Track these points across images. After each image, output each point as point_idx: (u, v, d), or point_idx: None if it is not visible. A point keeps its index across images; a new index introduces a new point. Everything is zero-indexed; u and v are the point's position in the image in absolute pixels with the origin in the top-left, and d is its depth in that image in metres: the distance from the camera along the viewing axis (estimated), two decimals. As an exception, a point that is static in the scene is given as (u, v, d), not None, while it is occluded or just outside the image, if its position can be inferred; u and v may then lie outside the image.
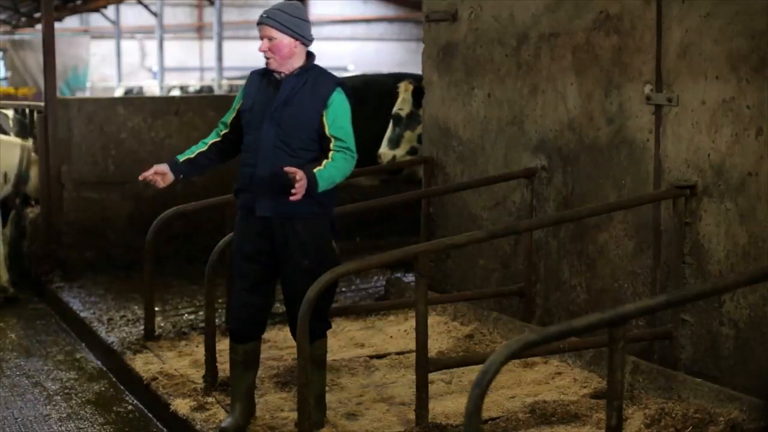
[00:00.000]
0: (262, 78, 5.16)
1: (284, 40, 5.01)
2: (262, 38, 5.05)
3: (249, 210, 5.13)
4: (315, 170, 4.93)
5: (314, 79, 5.06)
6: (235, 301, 5.30)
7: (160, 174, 5.24)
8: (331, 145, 5.02)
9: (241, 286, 5.22)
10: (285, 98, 5.02)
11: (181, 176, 5.29)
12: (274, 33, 5.01)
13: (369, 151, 8.19)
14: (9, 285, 8.90)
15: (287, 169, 4.87)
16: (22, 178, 9.36)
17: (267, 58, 5.06)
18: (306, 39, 5.07)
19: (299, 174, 4.84)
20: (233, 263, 5.29)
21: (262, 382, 5.86)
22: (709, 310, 5.47)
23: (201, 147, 5.32)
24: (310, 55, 5.14)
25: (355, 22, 34.57)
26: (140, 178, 5.29)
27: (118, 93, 24.69)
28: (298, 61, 5.08)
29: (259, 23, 5.05)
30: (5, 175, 9.26)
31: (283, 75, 5.09)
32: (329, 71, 5.17)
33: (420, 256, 5.14)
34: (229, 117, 5.28)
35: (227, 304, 6.81)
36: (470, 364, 5.60)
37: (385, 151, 8.19)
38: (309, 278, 5.02)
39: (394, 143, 8.11)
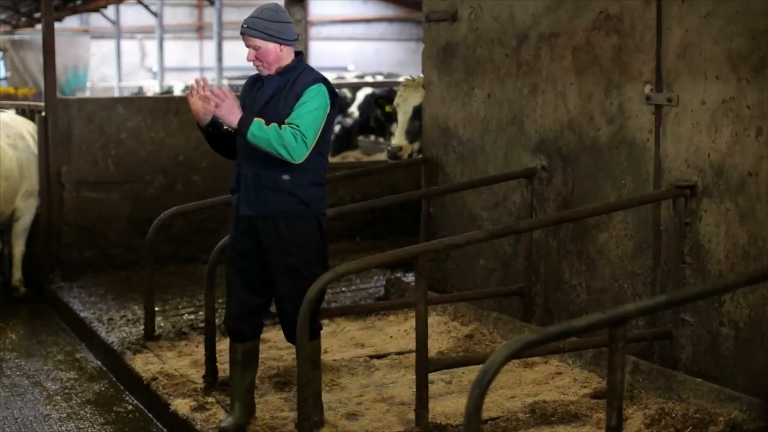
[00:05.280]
0: (256, 81, 5.23)
1: (269, 46, 5.05)
2: (247, 47, 5.09)
3: (237, 209, 5.18)
4: (258, 119, 4.93)
5: (296, 77, 5.07)
6: (230, 299, 5.30)
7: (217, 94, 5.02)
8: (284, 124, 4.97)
9: (235, 284, 5.23)
10: (267, 98, 5.07)
11: (223, 127, 5.13)
12: (258, 42, 5.05)
13: None
14: (21, 284, 8.89)
15: (214, 90, 4.97)
16: None
17: (257, 66, 5.11)
18: (289, 41, 5.09)
19: (226, 92, 4.96)
20: (229, 261, 5.30)
21: (262, 382, 5.86)
22: (709, 310, 5.47)
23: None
24: (298, 54, 5.17)
25: (355, 22, 34.52)
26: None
27: (117, 94, 24.66)
28: (286, 62, 5.12)
29: (242, 33, 5.09)
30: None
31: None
32: (314, 69, 5.18)
33: (420, 256, 5.14)
34: None
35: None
36: (470, 364, 5.60)
37: (404, 144, 8.08)
38: (295, 278, 5.04)
39: (414, 136, 8.02)
